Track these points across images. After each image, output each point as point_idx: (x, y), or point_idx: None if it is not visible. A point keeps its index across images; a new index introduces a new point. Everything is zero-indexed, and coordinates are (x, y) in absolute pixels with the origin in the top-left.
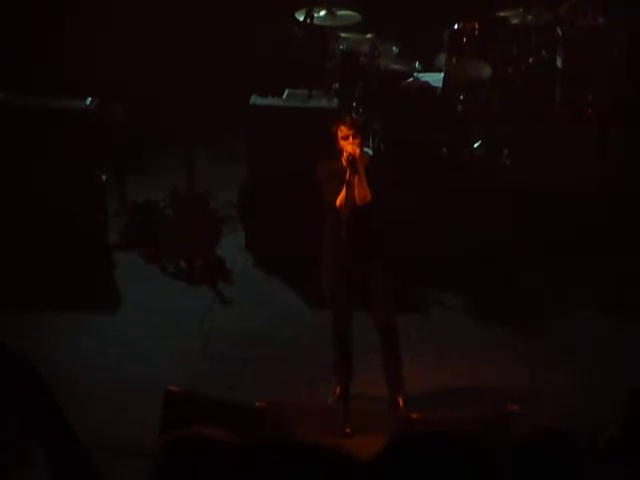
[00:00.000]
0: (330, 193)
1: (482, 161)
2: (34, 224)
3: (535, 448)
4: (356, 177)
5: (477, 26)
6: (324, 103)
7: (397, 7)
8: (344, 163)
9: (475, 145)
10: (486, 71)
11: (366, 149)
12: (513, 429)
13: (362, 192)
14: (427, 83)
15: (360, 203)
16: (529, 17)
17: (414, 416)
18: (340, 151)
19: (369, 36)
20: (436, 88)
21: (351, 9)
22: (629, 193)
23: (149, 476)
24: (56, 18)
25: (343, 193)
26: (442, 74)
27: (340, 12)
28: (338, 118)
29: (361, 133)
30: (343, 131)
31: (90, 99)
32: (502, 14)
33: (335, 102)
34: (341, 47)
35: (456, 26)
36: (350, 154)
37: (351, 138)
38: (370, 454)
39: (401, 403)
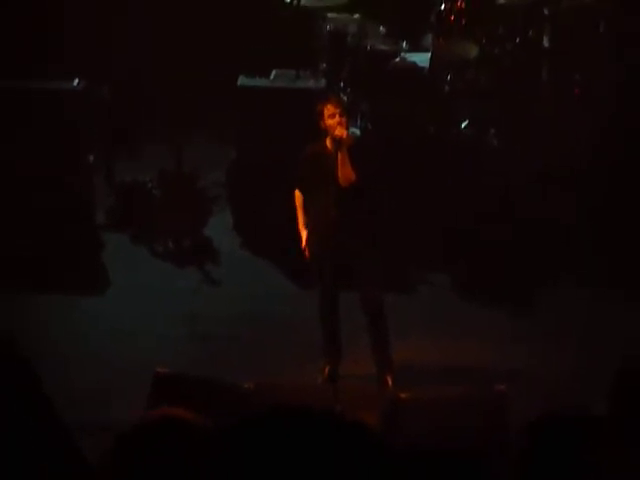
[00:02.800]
0: (316, 174)
1: (469, 140)
2: (21, 204)
3: (551, 431)
4: (340, 157)
5: (464, 6)
6: (311, 84)
7: None
8: (328, 143)
9: (462, 125)
10: (473, 51)
11: (353, 129)
12: (503, 409)
13: (346, 172)
14: (414, 63)
15: (344, 184)
16: None
17: (403, 395)
18: (326, 130)
19: (356, 16)
20: (423, 68)
21: None
22: (617, 173)
23: (113, 463)
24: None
25: (328, 173)
26: (429, 54)
27: None
28: (324, 97)
29: (347, 112)
30: (330, 109)
31: (77, 80)
32: None
33: (323, 82)
34: (328, 28)
35: (443, 6)
36: (337, 134)
37: (338, 117)
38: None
39: (390, 382)
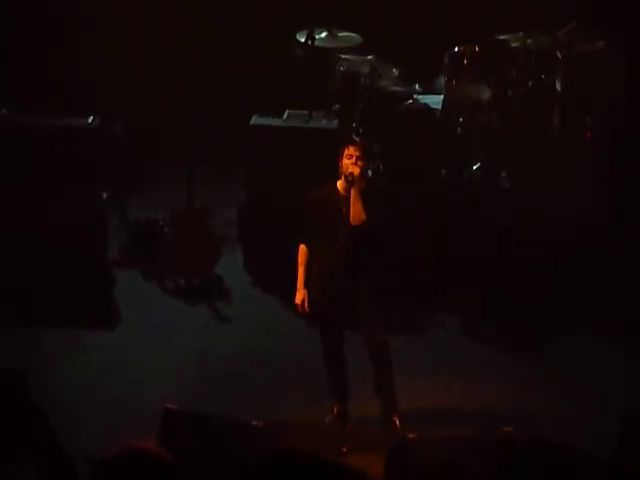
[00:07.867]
0: (325, 216)
1: (481, 183)
2: (35, 240)
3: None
4: (352, 195)
5: (477, 49)
6: (324, 124)
7: (398, 29)
8: (340, 184)
9: (474, 167)
10: (485, 94)
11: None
12: (510, 451)
13: (357, 212)
14: (427, 105)
15: (355, 223)
16: (529, 41)
17: (411, 436)
18: (340, 170)
19: (369, 58)
20: (435, 110)
21: (352, 31)
22: (626, 216)
23: None
24: (57, 36)
25: (338, 214)
26: (442, 96)
27: (341, 34)
28: (348, 139)
29: (366, 157)
30: (350, 150)
31: (92, 117)
32: (502, 37)
33: (335, 123)
34: (341, 68)
35: (456, 49)
36: (350, 173)
37: (354, 159)
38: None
39: (397, 423)
